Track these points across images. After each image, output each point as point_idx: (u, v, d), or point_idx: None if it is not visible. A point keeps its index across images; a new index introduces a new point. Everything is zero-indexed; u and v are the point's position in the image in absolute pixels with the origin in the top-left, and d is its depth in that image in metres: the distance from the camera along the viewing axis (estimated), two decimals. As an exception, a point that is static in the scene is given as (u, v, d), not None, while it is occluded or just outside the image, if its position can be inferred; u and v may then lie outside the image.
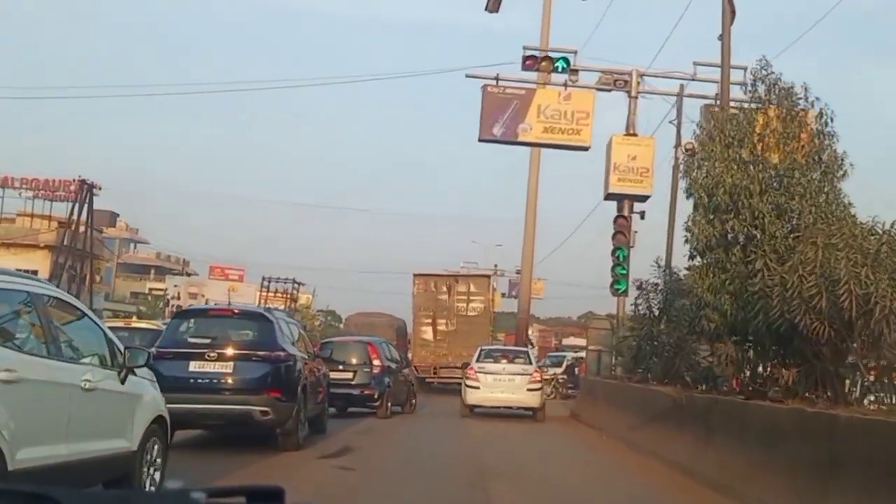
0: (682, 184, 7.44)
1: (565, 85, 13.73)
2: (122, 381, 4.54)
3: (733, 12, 9.00)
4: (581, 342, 29.01)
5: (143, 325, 12.81)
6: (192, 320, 7.91)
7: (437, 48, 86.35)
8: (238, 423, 7.20)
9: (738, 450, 5.52)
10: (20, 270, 4.82)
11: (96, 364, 4.42)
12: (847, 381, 5.84)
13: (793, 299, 5.15)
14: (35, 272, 27.82)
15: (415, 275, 20.29)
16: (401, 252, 75.75)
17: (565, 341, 37.83)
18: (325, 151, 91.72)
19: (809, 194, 6.49)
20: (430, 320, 19.43)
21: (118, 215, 44.54)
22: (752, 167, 6.66)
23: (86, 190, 30.03)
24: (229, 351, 7.14)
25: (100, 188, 30.72)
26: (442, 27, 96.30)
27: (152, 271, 50.92)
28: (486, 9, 14.04)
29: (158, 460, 4.88)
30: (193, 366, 7.01)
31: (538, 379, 12.68)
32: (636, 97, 13.89)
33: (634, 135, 14.00)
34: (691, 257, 7.20)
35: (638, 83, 13.81)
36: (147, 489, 4.63)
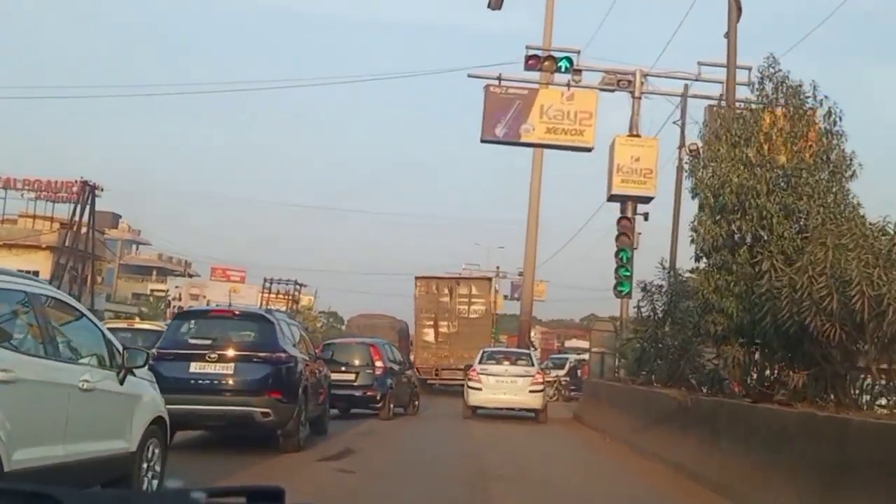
0: (688, 184, 7.37)
1: (568, 85, 13.66)
2: (121, 382, 4.51)
3: (739, 10, 8.93)
4: (583, 344, 28.96)
5: (145, 325, 12.88)
6: (193, 321, 7.89)
7: (438, 48, 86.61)
8: (239, 425, 7.17)
9: (745, 454, 5.45)
10: (21, 271, 4.78)
11: (95, 364, 4.38)
12: (852, 385, 5.75)
13: (802, 301, 5.07)
14: (37, 273, 27.92)
15: (417, 277, 20.35)
16: (402, 253, 75.88)
17: (568, 343, 37.76)
18: (326, 152, 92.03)
19: (818, 194, 6.40)
20: (431, 322, 19.47)
21: (120, 216, 44.60)
22: (758, 167, 6.57)
23: (88, 191, 30.08)
24: (230, 352, 7.11)
25: (102, 189, 30.78)
26: (442, 28, 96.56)
27: (154, 272, 50.97)
28: (488, 6, 14.01)
29: (157, 461, 4.84)
30: (194, 367, 6.98)
31: (540, 381, 12.69)
32: (640, 97, 13.82)
33: (638, 135, 13.93)
34: (697, 258, 7.12)
35: (641, 83, 13.73)
36: (146, 490, 4.57)
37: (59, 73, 63.50)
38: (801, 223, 6.42)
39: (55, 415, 3.93)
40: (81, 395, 4.08)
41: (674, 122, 14.18)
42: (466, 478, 6.61)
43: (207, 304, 24.68)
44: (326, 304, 49.99)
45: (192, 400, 6.74)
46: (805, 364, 5.71)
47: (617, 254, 13.62)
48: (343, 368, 11.41)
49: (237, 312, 8.12)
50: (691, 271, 8.52)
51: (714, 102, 12.84)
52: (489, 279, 23.63)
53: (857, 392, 5.61)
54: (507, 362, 12.91)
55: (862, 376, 5.59)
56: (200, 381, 6.93)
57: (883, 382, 5.39)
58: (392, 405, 11.74)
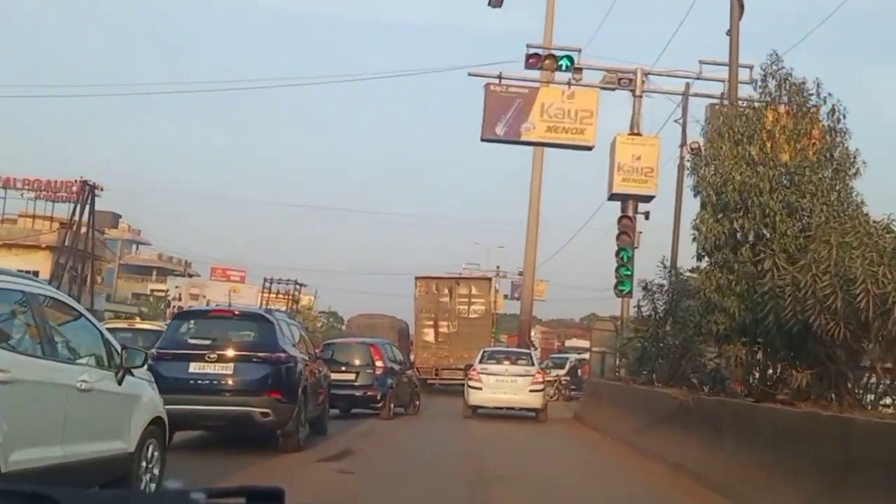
0: (689, 182, 7.32)
1: (569, 83, 13.60)
2: (120, 382, 4.48)
3: (741, 7, 8.89)
4: (583, 344, 28.94)
5: (146, 325, 12.90)
6: (193, 321, 7.87)
7: (438, 48, 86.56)
8: (238, 425, 7.15)
9: (748, 454, 5.41)
10: (21, 271, 4.76)
11: (93, 365, 4.35)
12: (856, 384, 5.71)
13: (806, 299, 5.03)
14: (36, 273, 27.89)
15: (416, 277, 20.36)
16: (403, 253, 75.87)
17: (568, 343, 37.73)
18: (326, 152, 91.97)
19: (821, 192, 6.36)
20: (431, 322, 19.48)
21: (120, 216, 44.58)
22: (761, 165, 6.53)
23: (87, 191, 30.05)
24: (230, 352, 7.09)
25: (101, 189, 30.75)
26: (442, 28, 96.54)
27: (154, 272, 50.95)
28: (489, 4, 13.97)
29: (156, 462, 4.81)
30: (194, 367, 6.96)
31: (540, 380, 12.71)
32: (641, 96, 13.76)
33: (639, 134, 13.88)
34: (699, 257, 7.07)
35: (642, 82, 13.68)
36: (145, 491, 4.54)
37: (58, 72, 63.54)
38: (804, 221, 6.38)
39: (53, 415, 3.90)
40: (79, 395, 4.05)
41: (675, 121, 14.15)
42: (467, 478, 6.58)
43: (207, 304, 24.65)
44: (326, 304, 50.05)
45: (192, 400, 6.72)
46: (808, 363, 5.67)
47: (618, 253, 13.58)
48: (343, 368, 11.39)
49: (237, 312, 8.10)
50: (692, 270, 8.49)
51: (715, 101, 12.80)
52: (489, 279, 23.65)
53: (860, 391, 5.57)
54: (507, 362, 12.93)
55: (866, 375, 5.54)
56: (200, 382, 6.90)
57: (887, 382, 5.35)
58: (392, 405, 11.71)
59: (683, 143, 13.83)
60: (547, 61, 13.27)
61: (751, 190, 6.45)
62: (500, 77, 13.80)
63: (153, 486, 4.72)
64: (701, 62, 13.45)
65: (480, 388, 12.38)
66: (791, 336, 5.57)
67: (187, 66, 78.45)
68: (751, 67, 10.58)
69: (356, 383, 11.43)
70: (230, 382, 6.94)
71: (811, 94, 6.74)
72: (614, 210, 14.29)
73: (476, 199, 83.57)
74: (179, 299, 40.00)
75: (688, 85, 13.80)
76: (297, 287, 34.58)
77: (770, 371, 6.59)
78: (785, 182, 6.56)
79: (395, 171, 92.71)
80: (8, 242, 34.46)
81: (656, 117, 23.08)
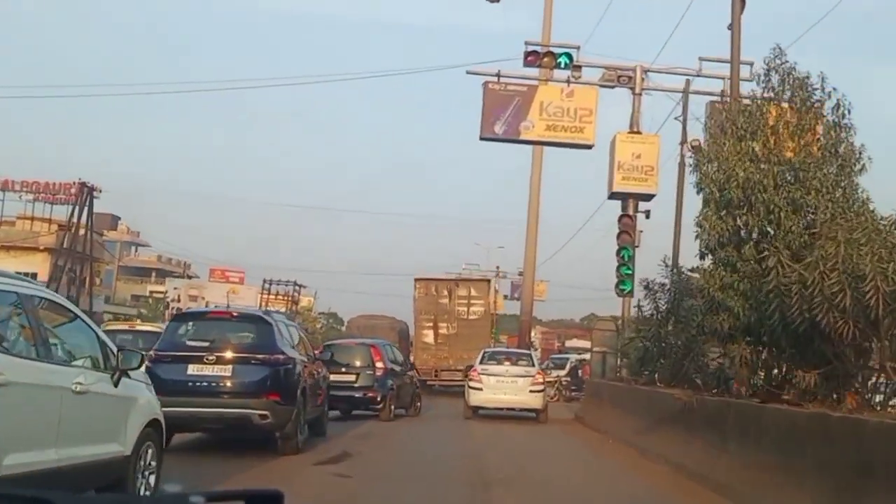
0: (692, 178, 7.23)
1: (568, 81, 13.52)
2: (116, 384, 4.42)
3: (743, 1, 8.83)
4: (584, 344, 28.90)
5: (146, 327, 12.88)
6: (191, 323, 7.83)
7: (438, 49, 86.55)
8: (237, 427, 7.09)
9: (754, 455, 5.33)
10: (19, 273, 4.70)
11: (88, 367, 4.30)
12: (865, 384, 5.63)
13: (814, 297, 4.95)
14: (35, 275, 27.84)
15: (416, 279, 20.36)
16: (402, 254, 75.85)
17: (568, 343, 37.69)
18: (325, 152, 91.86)
19: (826, 189, 6.28)
20: (431, 324, 19.47)
21: (119, 218, 44.50)
22: (764, 161, 6.45)
23: (86, 193, 29.95)
24: (228, 354, 7.04)
25: (100, 191, 30.66)
26: (442, 28, 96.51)
27: (153, 274, 50.86)
28: None
29: (153, 465, 4.75)
30: (192, 369, 6.91)
31: (541, 381, 12.72)
32: (640, 94, 13.69)
33: (639, 132, 13.81)
34: (702, 255, 6.99)
35: (642, 79, 13.61)
36: (141, 495, 4.48)
37: (58, 72, 63.47)
38: (809, 218, 6.31)
39: (48, 418, 3.84)
40: (75, 397, 3.99)
41: (675, 118, 14.07)
42: (467, 478, 6.54)
43: (206, 306, 24.58)
44: (326, 305, 49.94)
45: (190, 402, 6.68)
46: (815, 363, 5.59)
47: (618, 252, 13.52)
48: (343, 370, 11.33)
49: (235, 314, 8.08)
50: (692, 270, 8.42)
51: (716, 98, 12.74)
52: (488, 281, 23.68)
53: (869, 392, 5.49)
54: (507, 362, 12.94)
55: (875, 375, 5.47)
56: (198, 384, 6.85)
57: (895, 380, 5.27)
58: (393, 406, 11.65)
59: (684, 141, 13.76)
60: (545, 59, 13.20)
61: (754, 186, 6.37)
62: (498, 75, 13.73)
63: (150, 489, 4.65)
64: (701, 59, 13.38)
65: (481, 389, 12.40)
66: (797, 335, 5.50)
67: (187, 67, 78.48)
68: (751, 64, 10.52)
69: (356, 385, 11.38)
70: (228, 384, 6.89)
71: (815, 89, 6.66)
72: (615, 209, 14.25)
73: (476, 199, 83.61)
74: (178, 301, 39.90)
75: (688, 82, 13.73)
76: (297, 288, 34.52)
77: (775, 371, 6.51)
78: (789, 178, 6.49)
79: (394, 171, 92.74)
80: (6, 244, 34.38)
81: (656, 115, 23.06)
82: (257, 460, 6.70)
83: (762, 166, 6.44)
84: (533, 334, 28.01)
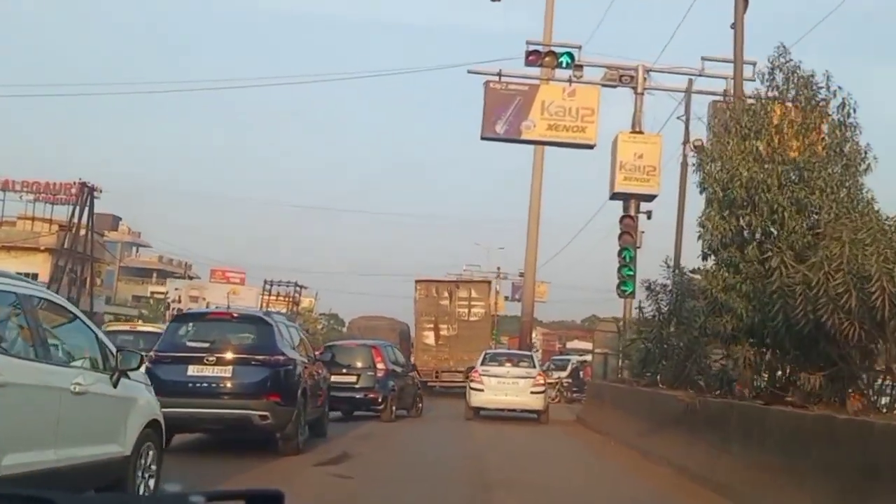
0: (695, 178, 7.17)
1: (570, 81, 13.48)
2: (115, 385, 4.40)
3: (746, 0, 8.78)
4: (585, 345, 28.86)
5: (148, 328, 12.85)
6: (191, 324, 7.82)
7: (438, 49, 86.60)
8: (237, 428, 7.07)
9: (758, 457, 5.28)
10: (19, 273, 4.68)
11: (87, 367, 4.28)
12: (870, 386, 5.58)
13: (818, 298, 4.90)
14: (36, 275, 27.81)
15: (417, 281, 20.41)
16: (403, 254, 75.80)
17: (569, 345, 37.63)
18: (326, 152, 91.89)
19: (830, 189, 6.23)
20: (432, 325, 19.49)
21: (120, 219, 44.51)
22: (769, 161, 6.40)
23: (86, 193, 29.94)
24: (228, 355, 7.02)
25: (100, 191, 30.64)
26: (442, 28, 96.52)
27: (154, 275, 50.86)
28: None
29: (153, 466, 4.73)
30: (192, 370, 6.90)
31: (542, 382, 12.74)
32: (642, 93, 13.65)
33: (641, 132, 13.77)
34: (704, 256, 6.94)
35: (644, 79, 13.57)
36: (141, 495, 4.45)
37: (58, 72, 63.57)
38: (813, 218, 6.26)
39: (46, 419, 3.82)
40: (73, 398, 3.97)
41: (678, 118, 14.03)
42: (468, 479, 6.51)
43: (207, 307, 24.56)
44: (327, 306, 49.91)
45: (190, 403, 6.67)
46: (820, 364, 5.54)
47: (620, 253, 13.48)
48: (345, 371, 11.32)
49: (235, 315, 8.07)
50: (693, 271, 8.37)
51: (718, 98, 12.70)
52: (488, 282, 23.73)
53: (875, 395, 5.43)
54: (508, 364, 12.96)
55: (881, 377, 5.42)
56: (198, 384, 6.84)
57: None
58: (394, 407, 11.62)
59: (686, 141, 13.72)
60: (547, 58, 13.16)
61: (758, 186, 6.32)
62: (499, 74, 13.70)
63: (150, 490, 4.62)
64: (703, 59, 13.33)
65: (482, 390, 12.41)
66: (801, 336, 5.45)
67: (187, 67, 78.60)
68: (754, 64, 10.47)
69: (357, 386, 11.35)
70: (229, 385, 6.87)
71: (820, 88, 6.59)
72: (616, 210, 14.21)
73: (476, 200, 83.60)
74: (179, 301, 39.88)
75: (690, 81, 13.67)
76: (298, 289, 34.52)
77: (779, 373, 6.45)
78: (793, 178, 6.43)
79: (394, 171, 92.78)
80: (7, 245, 34.39)
81: (658, 115, 22.98)
82: (257, 461, 6.68)
83: (766, 166, 6.39)
84: (534, 335, 27.99)
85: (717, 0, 10.47)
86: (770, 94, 6.84)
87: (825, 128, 6.61)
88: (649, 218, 14.02)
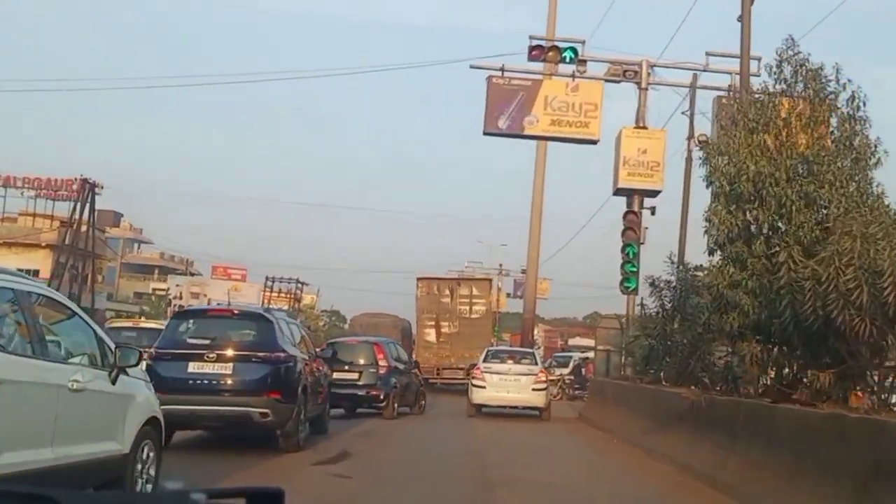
0: (702, 171, 7.05)
1: (573, 76, 13.37)
2: (113, 382, 4.35)
3: (753, -8, 8.66)
4: (587, 342, 28.79)
5: (150, 324, 12.84)
6: (192, 321, 7.77)
7: (438, 49, 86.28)
8: (237, 425, 7.04)
9: (765, 456, 5.20)
10: (21, 270, 4.63)
11: (86, 364, 4.24)
12: (881, 384, 5.49)
13: (828, 294, 4.82)
14: (37, 272, 27.79)
15: (418, 278, 20.41)
16: (405, 251, 75.67)
17: (571, 341, 37.55)
18: (327, 150, 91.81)
19: (840, 182, 6.13)
20: (433, 322, 19.49)
21: (122, 215, 44.51)
22: (776, 155, 6.29)
23: (88, 189, 29.90)
24: (229, 352, 6.99)
25: (101, 187, 30.60)
26: (442, 28, 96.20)
27: (156, 271, 50.86)
28: None
29: (152, 463, 4.68)
30: (192, 367, 6.86)
31: (543, 379, 12.74)
32: (646, 88, 13.55)
33: (645, 127, 13.67)
34: (711, 252, 6.86)
35: (648, 74, 13.46)
36: (142, 493, 4.41)
37: (58, 72, 63.46)
38: (822, 213, 6.16)
39: (44, 416, 3.78)
40: (71, 395, 3.92)
41: (682, 113, 13.88)
42: (470, 477, 6.46)
43: (208, 303, 24.54)
44: (329, 303, 49.89)
45: (191, 400, 6.65)
46: (829, 361, 5.46)
47: (623, 249, 13.41)
48: (347, 367, 11.30)
49: (236, 312, 8.03)
50: (697, 268, 8.28)
51: (723, 94, 12.59)
52: (489, 280, 23.76)
53: (886, 393, 5.35)
54: (511, 361, 12.95)
55: (892, 375, 5.33)
56: (199, 381, 6.80)
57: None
58: (396, 404, 11.59)
59: (691, 136, 13.59)
60: (550, 53, 13.05)
61: (765, 180, 6.23)
62: (502, 70, 13.59)
63: (149, 487, 4.58)
64: (708, 54, 13.24)
65: (484, 387, 12.42)
66: (810, 333, 5.37)
67: (187, 67, 78.49)
68: (759, 59, 10.38)
69: (360, 383, 11.32)
70: (229, 382, 6.83)
71: (829, 81, 6.49)
72: (619, 205, 14.12)
73: (478, 197, 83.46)
74: (180, 298, 39.87)
75: (695, 76, 13.55)
76: (300, 286, 34.48)
77: (786, 370, 6.37)
78: (802, 172, 6.34)
79: (396, 169, 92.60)
80: (8, 241, 34.39)
81: (662, 110, 22.78)
82: (258, 458, 6.64)
83: (774, 159, 6.28)
84: (536, 332, 27.91)
85: (722, -6, 10.35)
86: (778, 87, 6.74)
87: (834, 121, 6.51)
88: (653, 214, 13.94)
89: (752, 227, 6.48)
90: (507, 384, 12.35)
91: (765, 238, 6.33)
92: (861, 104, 6.35)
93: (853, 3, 12.47)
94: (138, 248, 51.18)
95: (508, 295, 39.64)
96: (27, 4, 70.84)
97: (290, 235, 78.16)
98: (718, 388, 7.02)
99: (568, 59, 13.10)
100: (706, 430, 6.57)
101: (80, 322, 4.40)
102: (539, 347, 28.35)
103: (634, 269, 13.19)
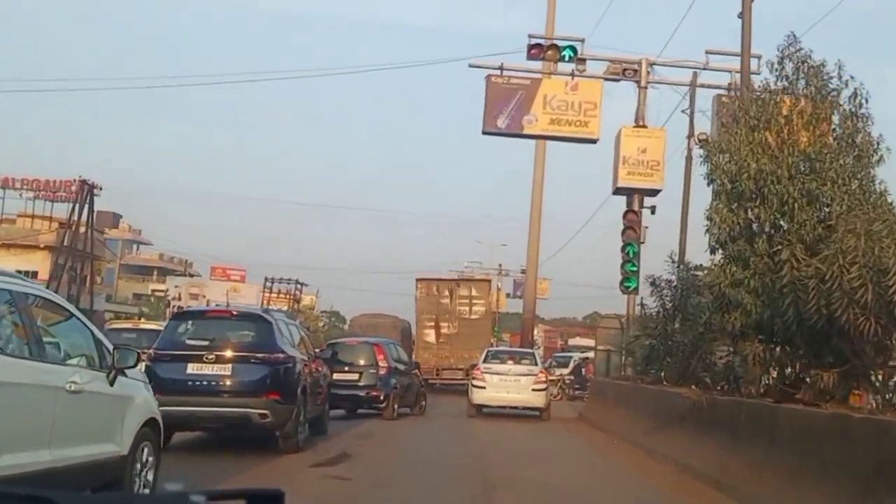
0: (703, 170, 7.01)
1: (572, 75, 13.33)
2: (112, 383, 4.32)
3: (754, -12, 8.63)
4: (587, 342, 28.76)
5: (150, 326, 12.81)
6: (190, 322, 7.74)
7: (439, 49, 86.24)
8: (236, 426, 7.01)
9: (767, 457, 5.16)
10: (19, 271, 4.59)
11: (83, 365, 4.21)
12: (880, 384, 5.46)
13: (832, 292, 4.78)
14: (35, 273, 27.71)
15: (417, 279, 20.42)
16: (404, 252, 75.67)
17: (571, 342, 37.52)
18: (326, 151, 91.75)
19: (842, 180, 6.10)
20: (432, 323, 19.50)
21: (121, 216, 44.44)
22: (779, 151, 6.25)
23: (86, 190, 29.84)
24: (228, 353, 6.96)
25: (100, 188, 30.53)
26: (442, 28, 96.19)
27: (155, 272, 50.80)
28: None
29: (150, 465, 4.64)
30: (191, 368, 6.83)
31: (543, 379, 12.75)
32: (646, 87, 13.51)
33: (644, 126, 13.64)
34: (712, 250, 6.82)
35: (648, 72, 13.42)
36: (142, 494, 4.37)
37: (58, 72, 63.34)
38: (824, 211, 6.13)
39: (41, 418, 3.75)
40: (69, 397, 3.89)
41: (682, 111, 13.86)
42: (470, 478, 6.44)
43: (208, 304, 24.50)
44: (328, 304, 49.84)
45: (190, 401, 6.63)
46: (832, 361, 5.42)
47: (623, 248, 13.38)
48: (347, 368, 11.27)
49: (235, 313, 8.00)
50: (697, 267, 8.24)
51: (723, 92, 12.57)
52: (489, 281, 23.80)
53: (891, 393, 5.31)
54: (511, 361, 12.96)
55: (896, 374, 5.30)
56: (197, 383, 6.77)
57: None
58: (396, 405, 11.56)
59: (691, 135, 13.56)
60: (549, 52, 13.01)
61: (767, 178, 6.19)
62: (501, 68, 13.55)
63: (147, 489, 4.54)
64: (708, 52, 13.20)
65: (484, 388, 12.42)
66: (813, 332, 5.33)
67: (187, 67, 78.40)
68: (759, 57, 10.35)
69: (360, 383, 11.29)
70: (228, 383, 6.80)
71: (831, 77, 6.46)
72: (619, 205, 14.09)
73: (478, 197, 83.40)
74: (179, 299, 39.81)
75: (695, 75, 13.52)
76: (299, 286, 34.44)
77: (789, 370, 6.33)
78: (804, 169, 6.30)
79: (396, 169, 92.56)
80: (7, 242, 34.33)
81: (662, 109, 22.76)
82: (257, 459, 6.61)
83: (776, 156, 6.25)
84: (536, 332, 27.90)
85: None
86: (779, 84, 6.70)
87: (836, 118, 6.48)
88: (653, 213, 13.90)
89: (754, 226, 6.44)
90: (507, 385, 12.35)
91: (767, 236, 6.29)
92: (863, 101, 6.31)
93: (853, 3, 12.46)
94: (137, 249, 51.11)
95: (508, 295, 39.63)
96: (27, 4, 70.79)
97: (289, 236, 78.13)
98: (720, 388, 6.99)
99: (567, 58, 13.06)
100: (708, 431, 6.53)
101: (77, 323, 4.37)
102: (539, 348, 28.35)
103: (634, 269, 13.16)
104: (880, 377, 5.38)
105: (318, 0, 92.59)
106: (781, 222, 6.29)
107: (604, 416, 11.56)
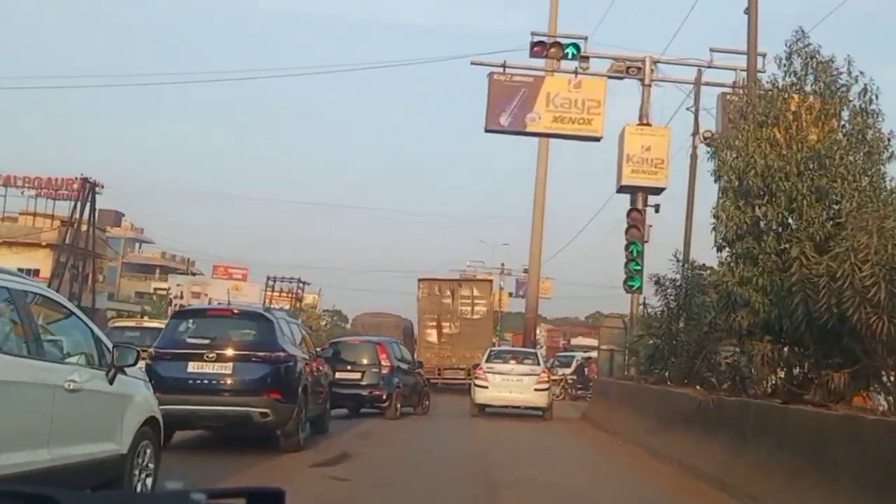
0: (709, 167, 6.93)
1: (575, 72, 13.25)
2: (111, 382, 4.27)
3: (760, -16, 8.55)
4: (590, 342, 28.69)
5: (154, 324, 12.77)
6: (191, 320, 7.71)
7: (439, 49, 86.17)
8: (237, 425, 6.97)
9: (776, 459, 5.08)
10: (21, 269, 4.54)
11: (83, 364, 4.17)
12: (891, 384, 5.37)
13: (843, 291, 4.70)
14: (37, 271, 27.72)
15: (419, 279, 20.44)
16: (406, 251, 75.64)
17: (574, 341, 37.46)
18: (328, 150, 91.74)
19: (852, 176, 6.00)
20: (434, 323, 19.51)
21: (123, 215, 44.48)
22: (787, 147, 6.16)
23: (88, 188, 29.83)
24: (228, 351, 6.93)
25: (102, 187, 30.53)
26: (443, 28, 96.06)
27: (157, 271, 50.83)
28: None
29: (150, 464, 4.60)
30: (192, 366, 6.80)
31: (545, 379, 12.74)
32: (650, 85, 13.42)
33: (648, 124, 13.55)
34: (719, 248, 6.73)
35: (651, 70, 13.33)
36: (142, 493, 4.32)
37: (58, 71, 63.37)
38: (833, 208, 6.04)
39: (40, 417, 3.71)
40: (68, 395, 3.85)
41: (687, 109, 13.77)
42: (472, 478, 6.39)
43: (209, 303, 24.49)
44: (330, 303, 49.85)
45: (190, 400, 6.60)
46: (842, 361, 5.34)
47: (627, 247, 13.30)
48: (349, 367, 11.23)
49: (236, 311, 7.96)
50: (700, 267, 8.16)
51: (727, 90, 12.48)
52: (490, 281, 23.84)
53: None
54: (513, 361, 12.94)
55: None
56: (198, 381, 6.73)
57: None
58: (399, 405, 11.51)
59: (696, 132, 13.48)
60: (553, 49, 12.93)
61: (775, 174, 6.10)
62: (504, 66, 13.47)
63: (148, 488, 4.49)
64: (712, 50, 13.11)
65: (487, 387, 12.40)
66: (823, 331, 5.24)
67: (188, 67, 78.43)
68: (764, 55, 10.27)
69: (362, 383, 11.24)
70: (229, 382, 6.77)
71: (840, 73, 6.36)
72: (623, 203, 14.01)
73: (480, 196, 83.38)
74: (181, 297, 39.82)
75: (700, 72, 13.44)
76: (301, 285, 34.44)
77: (797, 370, 6.24)
78: (813, 166, 6.21)
79: (397, 168, 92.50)
80: (8, 240, 34.35)
81: (666, 107, 22.69)
82: (258, 458, 6.57)
83: (785, 152, 6.15)
84: (538, 332, 27.84)
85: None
86: (787, 79, 6.61)
87: (845, 115, 6.38)
88: (657, 211, 13.82)
89: (762, 223, 6.35)
90: (509, 384, 12.32)
91: (775, 234, 6.19)
92: (874, 97, 6.21)
93: (854, 3, 12.36)
94: (139, 247, 51.15)
95: (510, 294, 39.57)
96: (27, 4, 70.87)
97: (290, 235, 78.10)
98: (725, 389, 6.90)
99: (570, 56, 12.97)
100: (714, 431, 6.46)
101: (77, 322, 4.33)
102: (541, 347, 28.28)
103: (638, 268, 13.08)
104: (892, 377, 5.30)
105: (318, 0, 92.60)
106: (790, 220, 6.20)
107: (607, 416, 11.49)
